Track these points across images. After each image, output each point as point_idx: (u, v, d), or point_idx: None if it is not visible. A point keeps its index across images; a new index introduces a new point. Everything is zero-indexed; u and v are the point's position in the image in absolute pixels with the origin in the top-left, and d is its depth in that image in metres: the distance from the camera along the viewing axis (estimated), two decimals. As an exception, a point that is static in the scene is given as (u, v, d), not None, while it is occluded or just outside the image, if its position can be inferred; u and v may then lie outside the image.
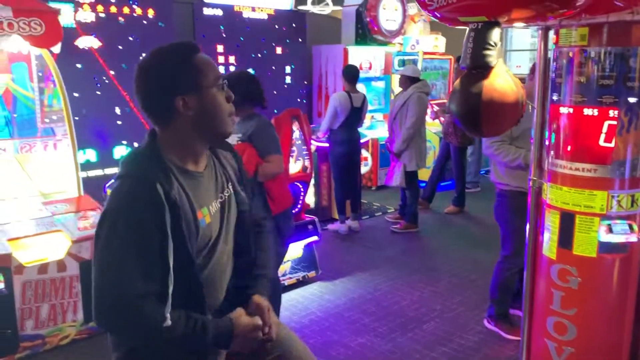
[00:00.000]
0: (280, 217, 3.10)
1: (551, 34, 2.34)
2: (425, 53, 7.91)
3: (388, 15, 7.29)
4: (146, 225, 1.35)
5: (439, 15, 1.90)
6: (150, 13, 5.50)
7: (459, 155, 6.41)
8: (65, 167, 3.90)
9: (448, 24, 1.88)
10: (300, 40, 7.17)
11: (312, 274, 4.34)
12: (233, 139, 3.00)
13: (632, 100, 2.13)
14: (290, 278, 4.21)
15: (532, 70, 3.41)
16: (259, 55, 6.71)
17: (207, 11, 6.16)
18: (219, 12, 6.25)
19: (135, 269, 1.34)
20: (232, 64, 6.42)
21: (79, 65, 5.04)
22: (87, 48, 4.35)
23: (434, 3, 1.77)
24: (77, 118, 4.23)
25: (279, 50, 6.92)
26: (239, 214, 1.67)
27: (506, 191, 3.41)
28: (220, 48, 6.32)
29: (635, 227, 2.23)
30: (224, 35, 6.35)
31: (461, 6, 1.70)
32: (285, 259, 3.89)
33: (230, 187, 1.65)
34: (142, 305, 1.35)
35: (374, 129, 7.40)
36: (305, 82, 7.37)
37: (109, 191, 4.06)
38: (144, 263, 1.34)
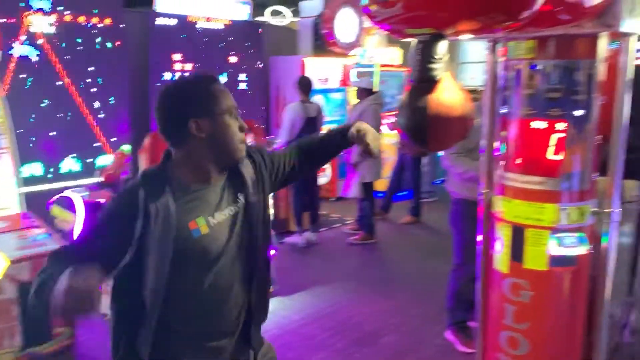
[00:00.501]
0: None
1: (499, 47, 2.35)
2: (382, 65, 7.95)
3: (345, 28, 7.30)
4: (111, 217, 1.53)
5: (386, 27, 1.86)
6: (107, 21, 5.33)
7: (415, 166, 6.46)
8: (5, 182, 3.70)
9: (396, 36, 1.84)
10: (257, 51, 7.11)
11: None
12: None
13: (579, 113, 2.15)
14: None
15: None
16: (216, 65, 6.61)
17: (160, 21, 6.03)
18: (172, 22, 6.12)
19: (83, 240, 1.56)
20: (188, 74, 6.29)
21: (23, 75, 4.83)
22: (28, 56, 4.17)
23: (380, 14, 1.73)
24: (21, 130, 4.03)
25: (235, 61, 6.84)
26: (249, 222, 1.65)
27: (460, 200, 3.44)
28: (175, 58, 6.19)
29: (584, 240, 2.24)
30: (179, 45, 6.22)
31: (407, 18, 1.67)
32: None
33: (242, 197, 1.65)
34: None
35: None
36: (263, 94, 7.30)
37: (54, 208, 3.90)
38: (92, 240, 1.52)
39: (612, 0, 1.85)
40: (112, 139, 5.43)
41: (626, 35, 1.99)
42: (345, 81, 7.62)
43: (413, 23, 1.69)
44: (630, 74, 2.08)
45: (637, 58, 2.23)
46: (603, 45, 2.10)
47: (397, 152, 6.85)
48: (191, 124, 1.51)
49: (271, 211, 2.16)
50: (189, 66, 6.29)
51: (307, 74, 6.79)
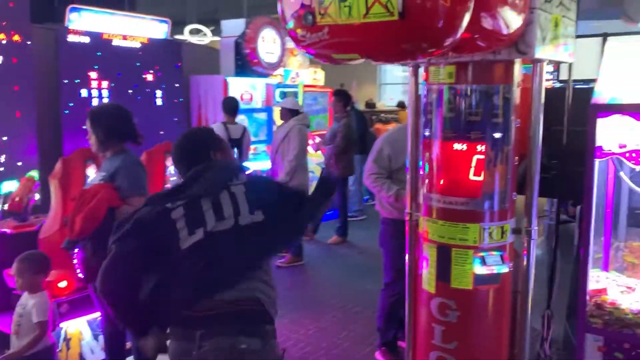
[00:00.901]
0: None
1: (421, 71, 2.40)
2: (305, 86, 8.00)
3: (267, 48, 7.28)
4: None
5: (312, 52, 1.84)
6: (15, 38, 4.97)
7: (341, 185, 6.50)
8: None
9: (322, 60, 1.83)
10: (176, 70, 6.92)
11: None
12: (96, 179, 2.72)
13: (497, 135, 2.22)
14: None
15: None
16: (133, 85, 6.35)
17: (72, 38, 5.72)
18: (85, 39, 5.83)
19: None
20: (103, 96, 6.00)
21: None
22: None
23: (306, 39, 1.71)
24: None
25: (154, 80, 6.61)
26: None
27: (389, 219, 3.47)
28: (90, 77, 5.89)
29: (506, 258, 2.30)
30: (93, 64, 5.93)
31: (334, 43, 1.66)
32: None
33: None
34: None
35: (258, 160, 7.29)
36: (183, 114, 7.10)
37: None
38: None
39: (525, 29, 1.94)
40: (18, 164, 5.04)
41: (539, 61, 2.09)
42: (269, 101, 7.59)
43: (340, 49, 1.68)
44: (543, 97, 2.18)
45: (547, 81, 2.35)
46: (518, 70, 2.20)
47: (321, 172, 6.87)
48: (213, 153, 2.18)
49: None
50: (104, 84, 6.00)
51: (230, 94, 6.70)
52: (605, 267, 2.83)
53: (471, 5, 1.58)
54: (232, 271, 1.92)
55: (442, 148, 2.31)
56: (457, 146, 2.26)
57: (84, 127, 2.85)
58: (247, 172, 2.26)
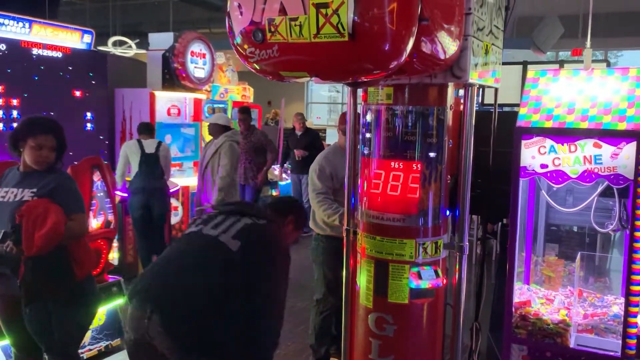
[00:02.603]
0: (86, 281, 2.73)
1: (360, 92, 2.47)
2: (234, 102, 7.96)
3: (196, 63, 7.20)
4: None
5: (256, 68, 1.85)
6: None
7: (256, 198, 6.66)
8: None
9: (269, 77, 1.84)
10: (101, 82, 6.67)
11: (117, 342, 3.86)
12: (26, 194, 2.55)
13: (432, 154, 2.32)
14: (90, 350, 3.68)
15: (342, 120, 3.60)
16: (54, 97, 6.05)
17: (-13, 45, 5.39)
18: (1, 47, 5.50)
19: None
20: (17, 107, 5.67)
21: None
22: None
23: (255, 56, 1.72)
24: None
25: (77, 92, 6.33)
26: None
27: (321, 236, 3.50)
28: (3, 88, 5.55)
29: (440, 272, 2.40)
30: (10, 74, 5.59)
31: (283, 61, 1.68)
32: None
33: None
34: None
35: (185, 176, 7.14)
36: (106, 126, 6.84)
37: None
38: None
39: (460, 54, 2.06)
40: None
41: (471, 85, 2.22)
42: (197, 116, 7.47)
43: (289, 67, 1.70)
44: (473, 119, 2.31)
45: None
46: (450, 94, 2.32)
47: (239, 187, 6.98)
48: None
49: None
50: (18, 100, 5.66)
51: (157, 108, 6.61)
52: (527, 280, 3.01)
53: (415, 30, 1.66)
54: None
55: (379, 166, 2.38)
56: (394, 164, 2.34)
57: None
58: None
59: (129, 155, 5.38)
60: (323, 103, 18.53)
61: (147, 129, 5.61)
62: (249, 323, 2.05)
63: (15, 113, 5.63)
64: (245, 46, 1.74)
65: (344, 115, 3.54)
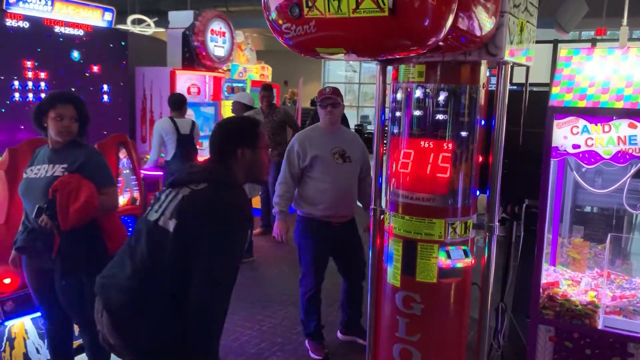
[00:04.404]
0: None
1: (390, 70, 2.45)
2: (253, 82, 7.94)
3: (216, 41, 7.17)
4: None
5: (291, 44, 1.84)
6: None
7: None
8: None
9: (303, 54, 1.83)
10: (121, 60, 6.68)
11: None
12: (57, 170, 2.58)
13: (463, 134, 2.30)
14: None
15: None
16: (75, 75, 6.08)
17: (9, 22, 5.41)
18: (25, 25, 5.53)
19: None
20: (43, 81, 5.71)
21: None
22: None
23: (291, 32, 1.70)
24: None
25: (97, 69, 6.36)
26: None
27: (299, 216, 3.57)
28: (29, 64, 5.59)
29: (469, 252, 2.39)
30: (34, 50, 5.63)
31: (320, 37, 1.66)
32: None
33: None
34: None
35: (205, 155, 7.17)
36: (126, 105, 6.86)
37: None
38: None
39: (495, 31, 2.02)
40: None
41: (505, 63, 2.18)
42: (216, 95, 7.47)
43: (325, 43, 1.69)
44: (506, 98, 2.28)
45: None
46: (484, 72, 2.28)
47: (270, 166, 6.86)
48: (238, 150, 2.04)
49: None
50: (43, 74, 5.71)
51: (177, 87, 6.56)
52: (553, 262, 2.99)
53: (455, 6, 1.63)
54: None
55: (409, 145, 2.36)
56: (425, 144, 2.32)
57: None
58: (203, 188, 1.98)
59: (163, 136, 5.33)
60: (340, 83, 18.43)
61: (179, 102, 5.49)
62: (190, 315, 1.85)
63: (43, 85, 5.69)
64: (281, 21, 1.73)
65: (321, 90, 3.60)
